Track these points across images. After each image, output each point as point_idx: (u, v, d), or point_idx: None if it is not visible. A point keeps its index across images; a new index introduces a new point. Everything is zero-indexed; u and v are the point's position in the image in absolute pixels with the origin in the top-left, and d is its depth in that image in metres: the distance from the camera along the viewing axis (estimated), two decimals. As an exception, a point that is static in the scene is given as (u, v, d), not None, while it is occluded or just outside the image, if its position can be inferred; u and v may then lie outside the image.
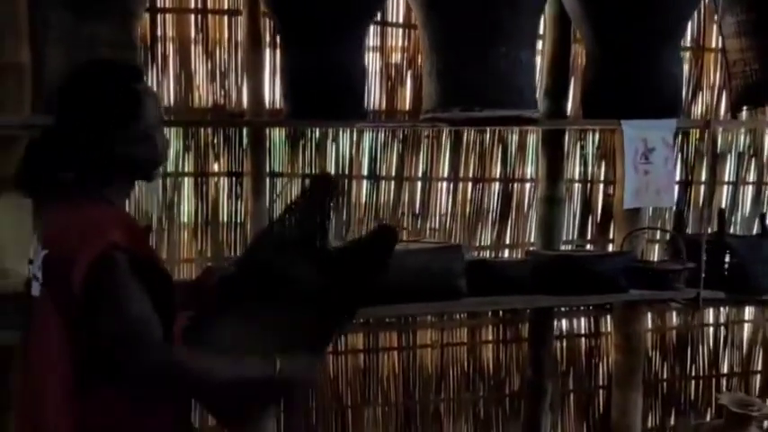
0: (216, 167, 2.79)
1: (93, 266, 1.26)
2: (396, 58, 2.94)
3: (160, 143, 1.50)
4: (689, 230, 3.31)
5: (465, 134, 3.06)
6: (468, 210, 3.11)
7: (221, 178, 2.80)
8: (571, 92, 3.00)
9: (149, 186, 1.82)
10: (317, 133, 2.88)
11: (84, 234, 1.31)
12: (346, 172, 2.94)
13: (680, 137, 3.26)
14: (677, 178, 3.30)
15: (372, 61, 2.90)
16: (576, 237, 3.27)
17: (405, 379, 3.10)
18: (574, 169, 3.25)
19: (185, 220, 2.78)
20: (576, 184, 3.26)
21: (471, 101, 2.44)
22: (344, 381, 3.03)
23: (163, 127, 1.54)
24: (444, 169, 3.07)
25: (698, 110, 3.30)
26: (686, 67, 3.26)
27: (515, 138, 3.14)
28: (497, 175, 3.15)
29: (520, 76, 2.50)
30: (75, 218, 1.36)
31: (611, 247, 3.22)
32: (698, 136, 3.29)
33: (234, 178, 2.80)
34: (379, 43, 2.91)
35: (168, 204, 2.75)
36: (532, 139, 3.14)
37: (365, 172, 2.97)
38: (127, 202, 1.56)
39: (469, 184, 3.11)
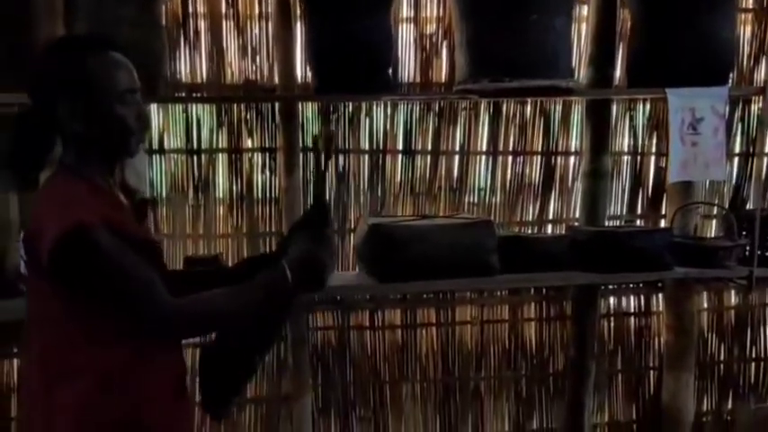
0: (249, 143, 2.81)
1: (58, 242, 1.27)
2: (430, 28, 2.85)
3: (130, 117, 1.41)
4: (750, 206, 3.11)
5: (504, 106, 2.96)
6: (508, 184, 3.02)
7: (255, 154, 2.82)
8: (618, 60, 2.84)
9: (133, 161, 1.80)
10: (350, 107, 2.84)
11: (51, 211, 1.33)
12: (380, 146, 2.90)
13: (740, 105, 3.05)
14: (737, 150, 3.11)
15: (406, 32, 2.83)
16: (625, 212, 3.11)
17: (443, 356, 3.06)
18: (623, 141, 3.09)
19: (221, 196, 2.81)
20: (626, 157, 3.10)
21: (500, 71, 2.36)
22: (382, 356, 3.02)
23: (136, 99, 1.43)
24: (483, 142, 2.98)
25: (761, 76, 3.07)
26: (748, 31, 3.04)
27: (558, 109, 3.01)
28: (539, 148, 3.03)
29: (553, 45, 2.39)
30: (48, 195, 1.38)
31: (662, 223, 3.07)
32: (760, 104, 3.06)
33: (267, 153, 2.81)
34: (413, 14, 2.84)
35: (204, 181, 2.78)
36: (577, 111, 3.00)
37: (400, 146, 2.92)
38: (115, 176, 1.49)
39: (509, 158, 3.01)
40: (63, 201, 1.35)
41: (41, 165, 1.42)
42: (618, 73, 2.87)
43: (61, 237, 1.27)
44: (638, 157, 3.10)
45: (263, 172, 2.82)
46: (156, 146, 2.72)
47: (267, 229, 2.84)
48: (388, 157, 2.91)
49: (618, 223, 3.06)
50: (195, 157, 2.77)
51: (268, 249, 2.83)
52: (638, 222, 3.12)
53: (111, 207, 1.41)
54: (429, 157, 2.94)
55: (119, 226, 1.35)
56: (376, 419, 3.04)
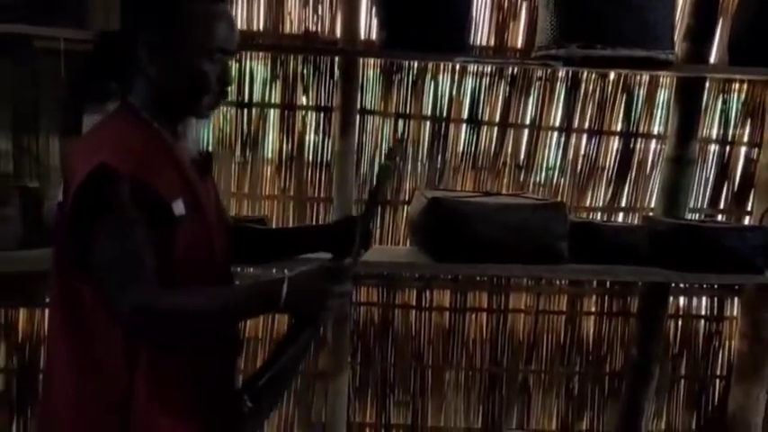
0: (304, 100, 2.61)
1: (81, 184, 1.17)
2: (510, -13, 2.60)
3: (211, 75, 1.29)
4: None
5: (584, 78, 2.69)
6: (580, 165, 2.76)
7: (309, 112, 2.62)
8: (717, 35, 2.56)
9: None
10: (415, 68, 2.62)
11: (90, 149, 1.23)
12: (444, 114, 2.67)
13: None
14: None
15: (483, -10, 2.58)
16: (705, 205, 2.84)
17: (492, 344, 2.86)
18: (711, 127, 2.80)
19: (269, 155, 2.63)
20: (713, 145, 2.81)
21: (593, 36, 2.11)
22: (426, 339, 2.83)
23: (224, 60, 1.32)
24: (556, 117, 2.73)
25: None
26: None
27: (644, 86, 2.73)
28: (618, 129, 2.76)
29: (655, 11, 2.13)
30: (96, 132, 1.30)
31: (747, 221, 2.79)
32: None
33: (322, 113, 2.62)
34: (491, -29, 2.59)
35: (252, 137, 2.60)
36: (664, 89, 2.72)
37: (465, 115, 2.69)
38: (179, 129, 1.37)
39: (584, 137, 2.75)
40: (105, 140, 1.24)
41: (104, 96, 1.35)
42: (714, 50, 2.59)
43: (85, 178, 1.16)
44: (727, 147, 2.81)
45: (316, 132, 2.63)
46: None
47: (316, 195, 2.66)
48: (452, 126, 2.69)
49: (697, 217, 2.79)
50: (245, 111, 2.58)
51: (315, 216, 2.67)
52: (718, 218, 2.84)
53: (162, 159, 1.28)
54: (496, 130, 2.71)
55: (153, 182, 1.21)
56: (414, 405, 2.87)
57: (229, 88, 1.37)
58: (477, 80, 2.66)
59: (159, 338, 1.25)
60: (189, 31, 1.27)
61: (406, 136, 2.67)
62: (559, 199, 2.67)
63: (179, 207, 1.25)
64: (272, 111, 2.61)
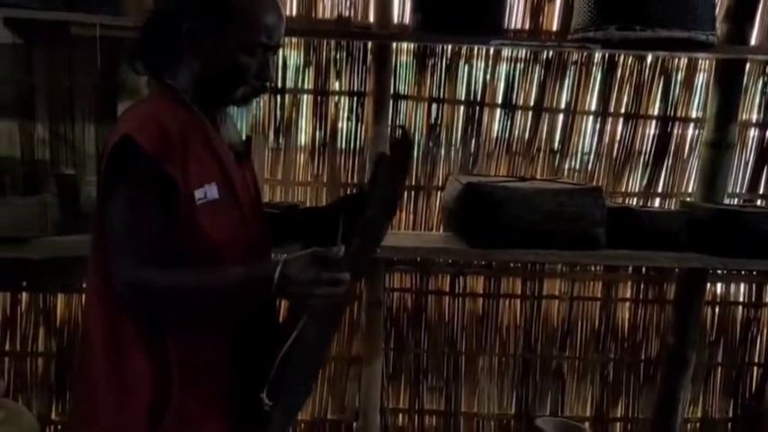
0: (337, 86, 2.60)
1: (107, 156, 1.21)
2: (545, -31, 2.56)
3: (250, 68, 1.28)
4: None
5: (620, 61, 2.64)
6: (616, 150, 2.72)
7: (342, 98, 2.61)
8: (758, 16, 2.51)
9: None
10: (448, 53, 2.59)
11: (121, 126, 1.22)
12: (478, 99, 2.64)
13: None
14: None
15: (518, -28, 2.54)
16: (744, 190, 2.78)
17: (526, 330, 2.84)
18: (751, 111, 2.74)
19: (302, 142, 2.62)
20: (752, 129, 2.75)
21: (631, 18, 2.07)
22: (460, 325, 2.82)
23: (266, 56, 1.31)
24: (592, 102, 2.68)
25: None
26: None
27: (682, 68, 2.67)
28: (655, 113, 2.71)
29: (696, -10, 2.07)
30: (132, 110, 1.30)
31: (787, 206, 2.73)
32: None
33: (355, 98, 2.60)
34: (526, -48, 2.54)
35: (286, 123, 2.60)
36: (702, 72, 2.67)
37: (499, 100, 2.65)
38: (219, 114, 1.37)
39: (620, 121, 2.70)
40: (137, 117, 1.24)
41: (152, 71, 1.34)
42: (755, 32, 2.53)
43: (110, 149, 1.20)
44: (767, 130, 2.74)
45: (348, 118, 2.62)
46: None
47: (349, 180, 2.65)
48: (486, 111, 2.65)
49: (736, 202, 2.73)
50: (279, 97, 2.58)
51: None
52: (757, 203, 2.78)
53: (198, 142, 1.27)
54: (530, 114, 2.67)
55: (173, 168, 1.21)
56: (447, 391, 2.86)
57: (269, 83, 1.36)
58: (512, 64, 2.62)
59: (151, 315, 1.24)
60: (231, 23, 1.26)
61: (439, 121, 2.64)
62: (595, 184, 2.64)
63: (212, 191, 1.25)
64: (305, 96, 2.59)
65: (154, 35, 1.31)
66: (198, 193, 1.23)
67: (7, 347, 2.65)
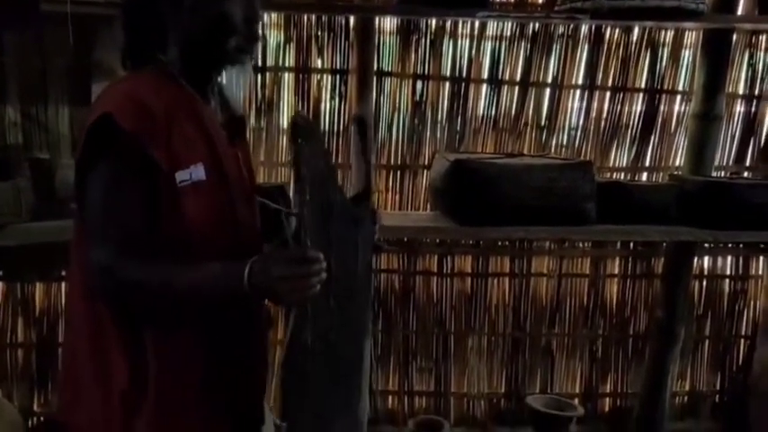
0: (319, 63, 2.53)
1: (85, 135, 1.15)
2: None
3: (235, 16, 1.22)
4: None
5: (607, 34, 2.61)
6: (603, 124, 2.69)
7: (324, 75, 2.54)
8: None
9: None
10: (432, 27, 2.53)
11: (98, 104, 1.17)
12: (464, 74, 2.59)
13: None
14: None
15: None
16: (731, 162, 2.77)
17: (515, 308, 2.82)
18: (737, 83, 2.72)
19: (284, 124, 2.55)
20: (739, 101, 2.73)
21: (621, -14, 2.02)
22: (449, 305, 2.79)
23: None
24: (579, 75, 2.65)
25: None
26: None
27: (669, 40, 2.64)
28: (642, 86, 2.68)
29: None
30: (111, 87, 1.24)
31: (774, 177, 2.73)
32: None
33: (338, 76, 2.54)
34: None
35: (267, 102, 2.53)
36: (689, 48, 2.64)
37: (485, 75, 2.61)
38: (214, 86, 1.30)
39: (607, 95, 2.67)
40: (118, 93, 1.18)
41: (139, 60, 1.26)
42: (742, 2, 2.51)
43: (88, 127, 1.14)
44: (754, 102, 2.73)
45: (332, 97, 2.55)
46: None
47: (335, 161, 2.59)
48: (471, 87, 2.61)
49: (724, 174, 2.72)
50: (259, 76, 2.51)
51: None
52: (745, 175, 2.77)
53: (185, 119, 1.20)
54: (517, 89, 2.63)
55: (154, 146, 1.14)
56: (437, 371, 2.84)
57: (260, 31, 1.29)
58: (497, 39, 2.58)
59: (117, 304, 1.18)
60: None
61: (424, 98, 2.59)
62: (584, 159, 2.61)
63: (198, 172, 1.19)
64: (286, 75, 2.53)
65: (135, 14, 1.24)
66: (182, 175, 1.17)
67: (-17, 339, 2.58)
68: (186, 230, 1.18)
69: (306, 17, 2.48)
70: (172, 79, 1.23)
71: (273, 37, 2.49)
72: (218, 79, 1.31)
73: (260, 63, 2.49)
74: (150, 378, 1.19)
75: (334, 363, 1.33)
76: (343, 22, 2.49)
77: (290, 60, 2.52)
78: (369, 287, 1.49)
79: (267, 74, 2.52)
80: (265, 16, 2.45)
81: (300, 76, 2.54)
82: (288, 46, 2.50)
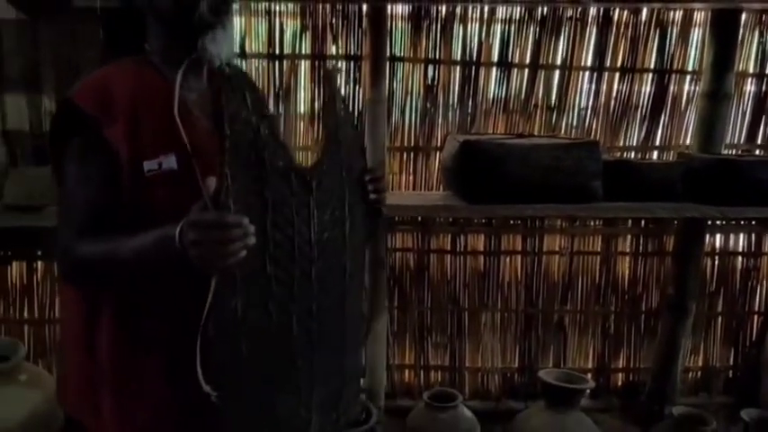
0: (334, 50, 2.63)
1: (51, 122, 1.22)
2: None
3: None
4: None
5: (615, 16, 2.65)
6: (613, 105, 2.74)
7: (339, 62, 2.64)
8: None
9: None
10: (443, 12, 2.60)
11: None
12: (474, 58, 2.66)
13: None
14: None
15: (511, -72, 2.54)
16: (742, 141, 2.80)
17: (528, 285, 2.90)
18: (747, 62, 2.74)
19: (302, 109, 2.66)
20: (749, 79, 2.76)
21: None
22: (462, 283, 2.88)
23: None
24: (588, 57, 2.70)
25: None
26: None
27: (677, 19, 2.67)
28: (651, 66, 2.72)
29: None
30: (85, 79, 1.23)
31: (785, 155, 2.75)
32: None
33: (352, 62, 2.63)
34: None
35: (285, 89, 2.63)
36: (698, 27, 2.67)
37: (495, 58, 2.67)
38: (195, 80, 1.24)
39: (616, 76, 2.72)
40: (84, 81, 1.19)
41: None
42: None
43: (54, 114, 1.21)
44: (764, 80, 2.75)
45: (347, 82, 2.65)
46: (237, 50, 2.57)
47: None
48: (482, 70, 2.68)
49: (734, 152, 2.76)
50: (277, 63, 2.61)
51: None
52: (756, 153, 2.80)
53: (159, 107, 1.16)
54: (526, 72, 2.69)
55: (123, 131, 1.14)
56: (452, 347, 2.94)
57: None
58: (507, 22, 2.64)
59: (79, 284, 1.22)
60: None
61: (436, 82, 2.67)
62: (592, 138, 2.67)
63: (169, 161, 1.15)
64: (303, 61, 2.63)
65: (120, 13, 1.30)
66: (150, 164, 1.14)
67: (26, 315, 2.74)
68: (157, 220, 1.09)
69: (321, 6, 2.57)
70: (150, 67, 1.23)
71: (290, 26, 2.59)
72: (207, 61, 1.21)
73: (277, 51, 2.60)
74: (105, 358, 1.22)
75: (283, 336, 1.19)
76: (357, 9, 2.57)
77: (306, 48, 2.62)
78: (348, 254, 1.32)
79: (284, 62, 2.62)
80: (282, 6, 2.56)
81: (316, 62, 2.63)
82: (304, 34, 2.60)
